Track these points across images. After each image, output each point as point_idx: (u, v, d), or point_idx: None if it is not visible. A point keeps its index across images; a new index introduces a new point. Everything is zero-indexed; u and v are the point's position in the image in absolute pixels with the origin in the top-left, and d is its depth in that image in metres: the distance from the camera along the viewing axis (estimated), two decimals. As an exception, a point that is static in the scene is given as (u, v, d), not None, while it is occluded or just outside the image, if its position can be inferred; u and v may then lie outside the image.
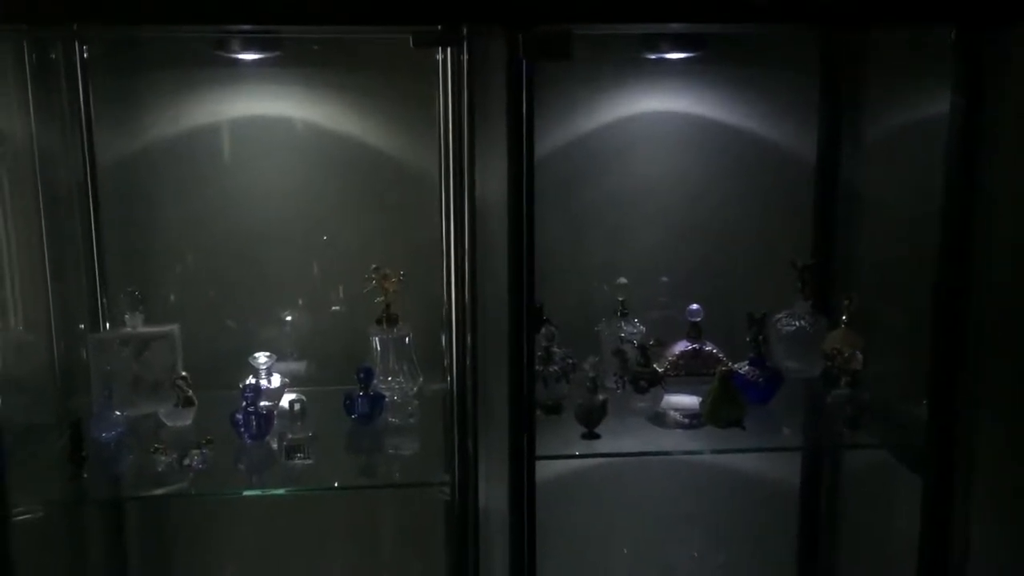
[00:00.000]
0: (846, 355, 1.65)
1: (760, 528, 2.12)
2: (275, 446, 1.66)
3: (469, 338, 1.55)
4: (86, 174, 1.85)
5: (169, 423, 1.71)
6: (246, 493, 1.64)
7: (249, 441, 1.65)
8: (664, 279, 2.01)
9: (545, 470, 2.01)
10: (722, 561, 2.15)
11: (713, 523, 2.12)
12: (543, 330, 1.73)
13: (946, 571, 1.62)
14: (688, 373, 1.86)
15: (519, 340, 1.48)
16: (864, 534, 2.01)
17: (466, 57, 1.45)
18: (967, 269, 1.53)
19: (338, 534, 2.03)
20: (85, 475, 1.53)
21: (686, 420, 1.74)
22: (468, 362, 1.56)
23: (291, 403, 1.66)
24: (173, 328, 1.79)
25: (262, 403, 1.67)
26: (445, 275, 1.58)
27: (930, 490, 1.59)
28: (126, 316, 1.77)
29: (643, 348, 1.73)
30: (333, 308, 1.95)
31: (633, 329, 1.85)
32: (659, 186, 1.98)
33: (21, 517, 1.42)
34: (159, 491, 1.57)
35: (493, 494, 1.70)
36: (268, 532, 2.00)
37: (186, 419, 1.71)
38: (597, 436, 1.66)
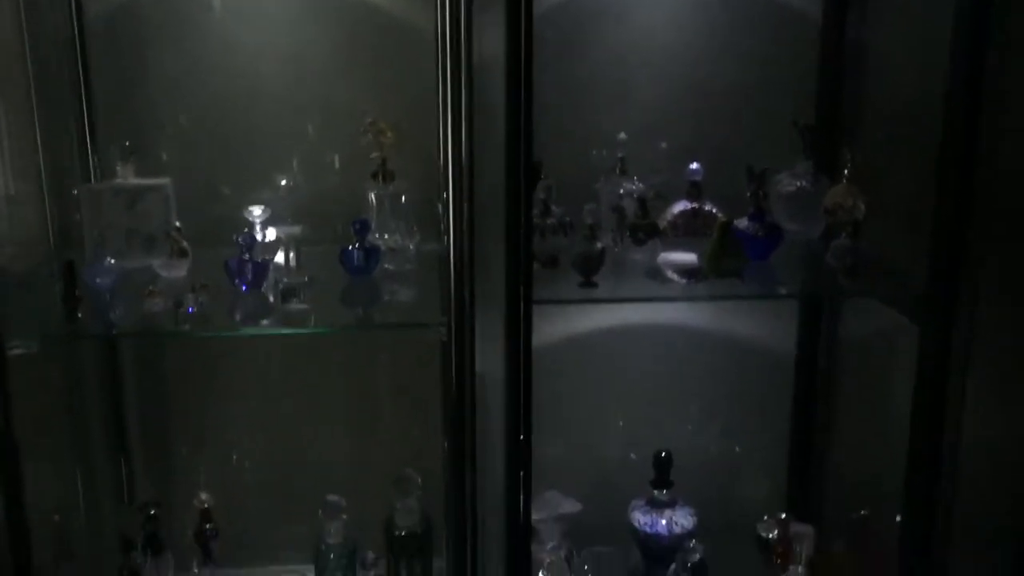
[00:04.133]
0: (848, 205, 1.63)
1: (756, 392, 2.13)
2: (271, 298, 1.65)
3: (466, 193, 1.53)
4: (73, 27, 1.80)
5: (164, 274, 1.70)
6: (243, 331, 1.63)
7: (244, 289, 1.64)
8: (664, 145, 1.98)
9: (540, 336, 2.02)
10: (717, 429, 2.16)
11: (709, 387, 2.13)
12: (540, 182, 1.71)
13: (941, 425, 1.62)
14: (687, 233, 1.85)
15: (516, 178, 1.45)
16: (861, 391, 2.02)
17: None
18: (975, 123, 1.49)
19: (334, 378, 2.03)
20: (80, 315, 1.52)
21: (684, 279, 1.73)
22: (465, 214, 1.54)
23: (285, 246, 1.65)
24: (165, 181, 1.76)
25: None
26: (441, 131, 1.55)
27: (927, 340, 1.59)
28: (117, 167, 1.74)
29: (642, 200, 1.72)
30: (328, 167, 1.92)
31: (632, 186, 1.83)
32: (660, 44, 1.94)
33: (16, 351, 1.41)
34: (155, 329, 1.56)
35: (489, 357, 1.70)
36: (264, 374, 2.01)
37: (180, 270, 1.70)
38: (595, 285, 1.64)
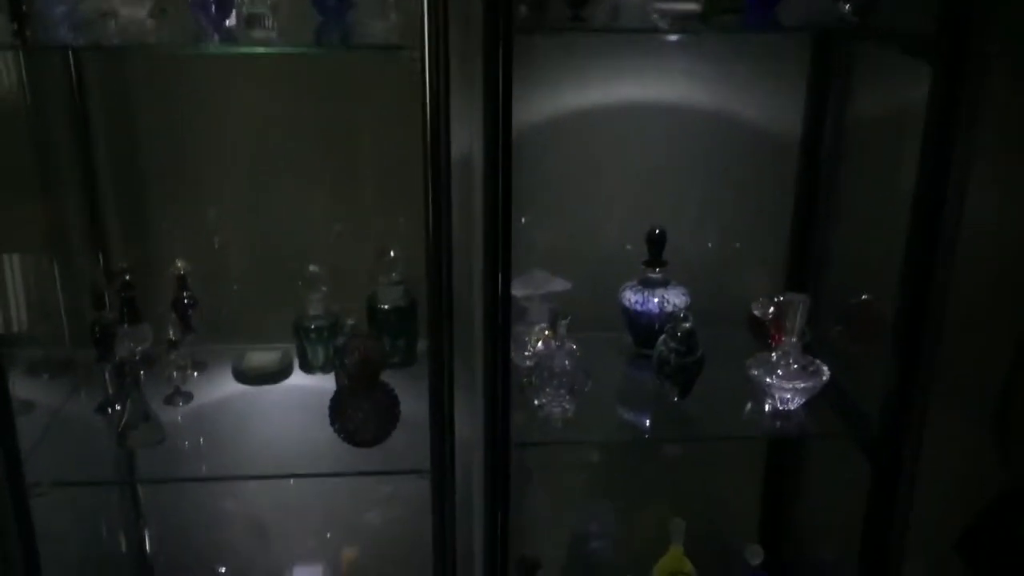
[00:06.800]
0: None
1: (758, 176, 2.03)
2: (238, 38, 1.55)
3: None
4: None
5: (124, 12, 1.58)
6: (209, 49, 1.54)
7: (210, 26, 1.54)
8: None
9: (528, 112, 1.93)
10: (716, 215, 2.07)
11: (708, 171, 2.03)
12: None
13: (947, 177, 1.53)
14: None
15: None
16: (866, 171, 1.92)
17: None
18: None
19: (309, 102, 1.92)
20: (29, 33, 1.43)
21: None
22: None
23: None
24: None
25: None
26: None
27: (939, 83, 1.48)
28: None
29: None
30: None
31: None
32: None
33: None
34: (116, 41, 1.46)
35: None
36: (236, 117, 1.91)
37: (141, 9, 1.58)
38: (584, 20, 1.53)
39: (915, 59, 1.52)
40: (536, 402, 1.73)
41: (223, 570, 2.18)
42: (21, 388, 1.74)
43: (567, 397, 1.72)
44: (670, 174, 2.03)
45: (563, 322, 1.72)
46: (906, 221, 1.59)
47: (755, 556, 1.95)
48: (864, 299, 1.91)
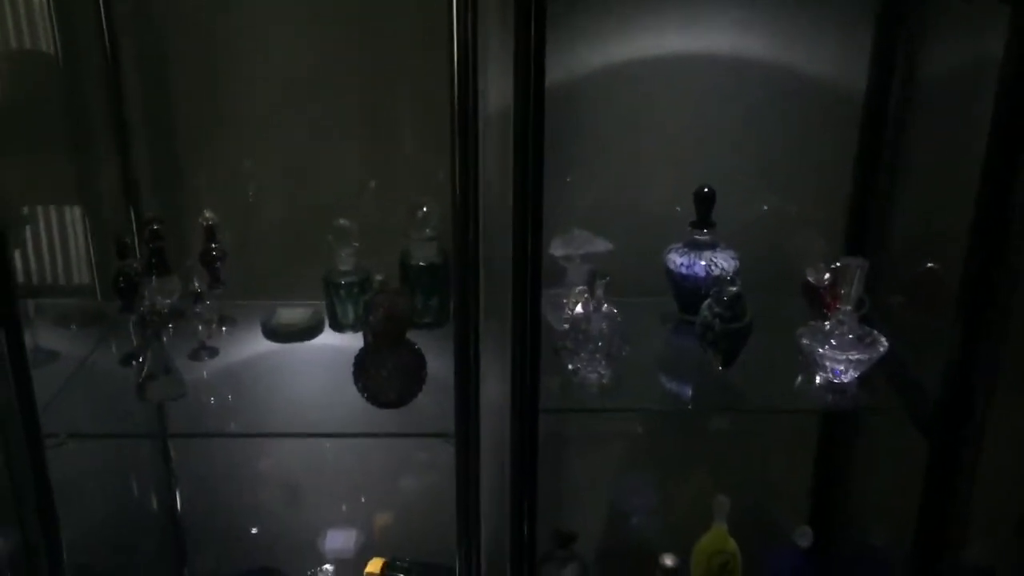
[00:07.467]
0: None
1: (817, 138, 1.89)
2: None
3: None
4: None
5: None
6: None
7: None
8: None
9: (572, 65, 1.83)
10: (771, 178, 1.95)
11: (764, 131, 1.90)
12: None
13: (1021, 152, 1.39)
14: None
15: None
16: (935, 134, 1.78)
17: None
18: None
19: (343, 53, 1.86)
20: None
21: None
22: None
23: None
24: None
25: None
26: None
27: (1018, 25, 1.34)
28: None
29: None
30: None
31: None
32: None
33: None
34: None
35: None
36: (261, 41, 1.86)
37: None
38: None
39: (994, 3, 1.38)
40: (570, 367, 1.64)
41: (255, 531, 2.16)
42: (48, 338, 1.72)
43: (603, 363, 1.63)
44: (722, 131, 1.91)
45: (601, 282, 1.63)
46: (977, 184, 1.46)
47: (804, 537, 1.85)
48: (928, 267, 1.78)
